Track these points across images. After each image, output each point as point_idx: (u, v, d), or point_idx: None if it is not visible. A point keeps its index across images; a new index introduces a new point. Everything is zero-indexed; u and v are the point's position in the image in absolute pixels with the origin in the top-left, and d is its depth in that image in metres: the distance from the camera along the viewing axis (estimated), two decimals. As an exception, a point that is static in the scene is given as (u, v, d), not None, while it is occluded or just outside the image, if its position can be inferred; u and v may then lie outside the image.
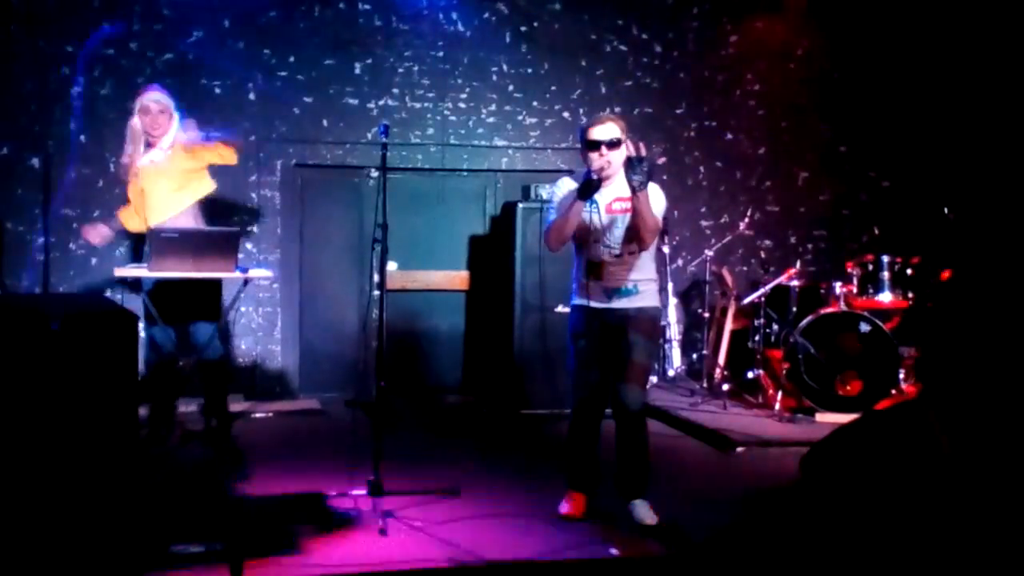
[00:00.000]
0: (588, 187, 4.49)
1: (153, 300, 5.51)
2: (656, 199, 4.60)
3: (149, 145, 5.67)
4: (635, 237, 4.59)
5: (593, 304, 4.68)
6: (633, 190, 4.43)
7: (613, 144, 4.55)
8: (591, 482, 4.80)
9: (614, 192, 4.60)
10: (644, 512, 4.65)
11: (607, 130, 4.56)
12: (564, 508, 4.72)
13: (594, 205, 4.56)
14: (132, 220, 5.80)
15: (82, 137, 7.08)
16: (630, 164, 4.42)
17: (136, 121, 5.63)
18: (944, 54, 8.24)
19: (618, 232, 4.61)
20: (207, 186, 5.77)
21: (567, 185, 4.75)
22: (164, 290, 5.49)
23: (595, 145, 4.55)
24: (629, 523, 4.60)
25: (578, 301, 4.74)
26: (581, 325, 4.71)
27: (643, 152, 4.41)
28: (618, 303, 4.65)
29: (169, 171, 5.64)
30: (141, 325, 5.48)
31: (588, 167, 4.60)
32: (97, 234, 5.85)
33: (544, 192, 6.87)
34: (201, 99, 7.10)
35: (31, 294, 6.82)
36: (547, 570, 4.13)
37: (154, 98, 5.63)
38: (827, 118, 8.48)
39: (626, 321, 4.64)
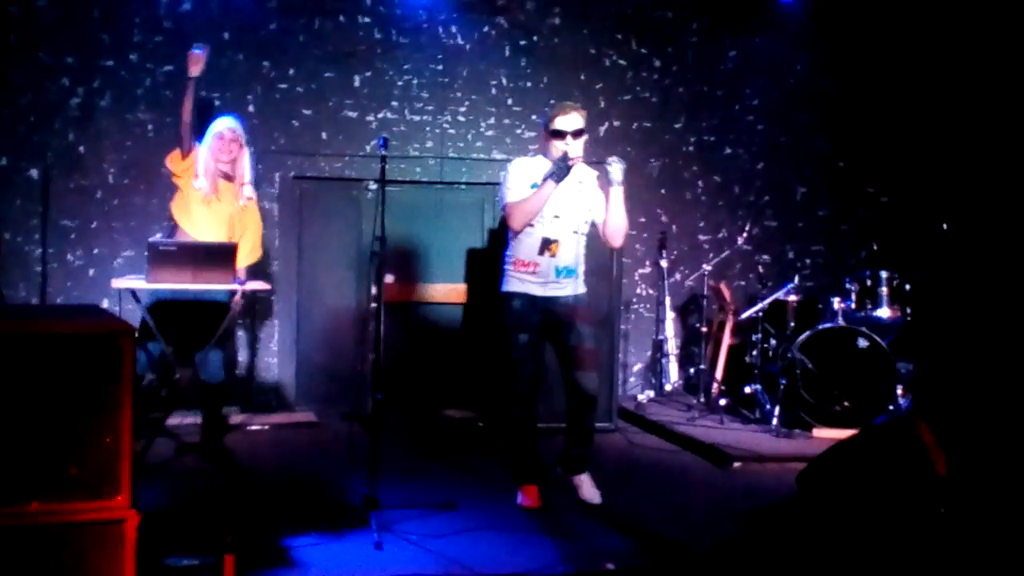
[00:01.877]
0: (562, 172, 4.80)
1: (155, 318, 5.52)
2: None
3: (225, 176, 5.76)
4: (607, 235, 5.01)
5: (536, 293, 4.92)
6: (609, 183, 4.85)
7: (578, 133, 4.89)
8: (541, 472, 5.08)
9: (575, 175, 4.91)
10: (591, 489, 5.02)
11: (572, 120, 4.90)
12: (525, 501, 4.96)
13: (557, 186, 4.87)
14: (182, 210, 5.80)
15: (81, 148, 7.09)
16: (607, 162, 4.85)
17: (206, 149, 5.68)
18: (943, 69, 8.26)
19: (575, 212, 4.95)
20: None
21: (522, 166, 5.01)
22: (168, 311, 5.50)
23: (561, 134, 4.89)
24: (625, 536, 4.59)
25: (519, 289, 4.95)
26: (522, 317, 4.95)
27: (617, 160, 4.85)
28: (560, 289, 4.94)
29: (239, 218, 5.81)
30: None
31: (550, 151, 4.93)
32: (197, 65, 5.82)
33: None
34: (200, 111, 7.04)
35: (27, 304, 6.81)
36: (543, 585, 4.11)
37: (230, 126, 5.74)
38: (825, 133, 8.49)
39: (570, 311, 4.96)
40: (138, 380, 5.61)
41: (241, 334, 7.38)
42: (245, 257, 5.85)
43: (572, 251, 4.98)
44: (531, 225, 4.90)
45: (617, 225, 4.98)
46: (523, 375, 4.96)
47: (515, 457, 5.08)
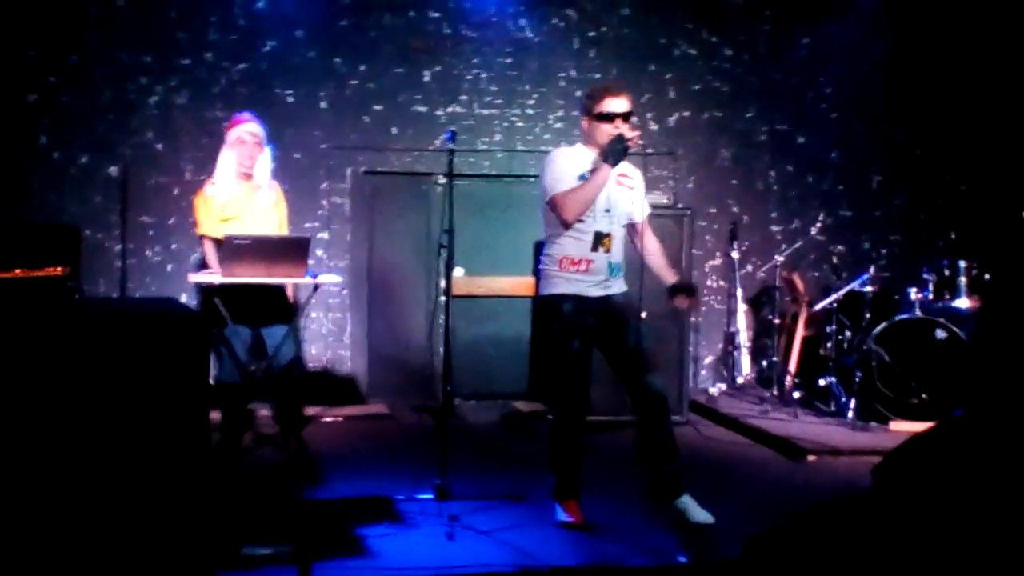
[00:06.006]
0: (619, 154, 4.49)
1: (223, 302, 5.58)
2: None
3: (246, 176, 5.69)
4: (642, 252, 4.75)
5: (589, 294, 4.58)
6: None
7: (627, 116, 4.57)
8: (578, 487, 4.71)
9: (620, 167, 4.62)
10: (698, 510, 4.60)
11: (623, 103, 4.56)
12: (569, 517, 4.62)
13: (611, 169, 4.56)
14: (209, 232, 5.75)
15: (159, 146, 7.24)
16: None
17: (229, 152, 5.64)
18: (1020, 53, 8.04)
19: (622, 205, 4.64)
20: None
21: (565, 156, 4.67)
22: (232, 292, 5.54)
23: (610, 117, 4.54)
24: (690, 527, 4.55)
25: (569, 290, 4.57)
26: (575, 322, 4.57)
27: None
28: (612, 288, 4.62)
29: (266, 208, 5.72)
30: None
31: (594, 135, 4.58)
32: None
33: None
34: (274, 108, 7.21)
35: (106, 297, 6.97)
36: (612, 576, 4.11)
37: (250, 130, 5.64)
38: (902, 121, 8.33)
39: (625, 310, 4.62)
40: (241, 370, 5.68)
41: (314, 327, 7.48)
42: None
43: (620, 246, 4.66)
44: (581, 220, 4.53)
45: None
46: (574, 385, 4.59)
47: (560, 470, 4.67)
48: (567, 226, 4.55)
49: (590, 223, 4.56)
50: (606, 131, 4.53)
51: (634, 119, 4.68)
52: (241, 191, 5.67)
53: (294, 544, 4.11)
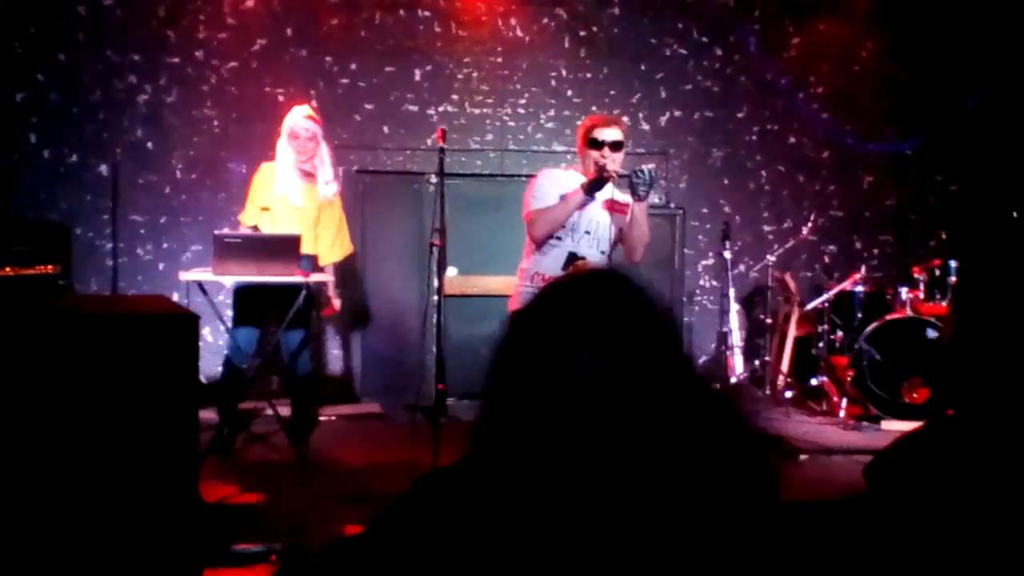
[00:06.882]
0: (598, 183, 4.49)
1: (239, 302, 5.57)
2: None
3: (306, 174, 5.61)
4: (628, 249, 4.64)
5: None
6: (637, 197, 4.48)
7: (616, 146, 4.56)
8: None
9: (610, 192, 4.61)
10: None
11: (612, 132, 4.57)
12: None
13: (591, 199, 4.57)
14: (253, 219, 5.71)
15: (149, 144, 7.21)
16: (636, 173, 4.47)
17: (286, 146, 5.54)
18: (1014, 53, 8.06)
19: (607, 231, 4.62)
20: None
21: (551, 176, 4.70)
22: (250, 293, 5.53)
23: (599, 144, 4.55)
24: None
25: None
26: None
27: (651, 167, 4.47)
28: None
29: (316, 209, 5.67)
30: (223, 327, 5.58)
31: (585, 162, 4.61)
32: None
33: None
34: (265, 106, 7.19)
35: (94, 295, 6.95)
36: None
37: (304, 126, 5.53)
38: (892, 121, 8.34)
39: None
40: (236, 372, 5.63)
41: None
42: (328, 253, 5.81)
43: None
44: (559, 238, 4.55)
45: (639, 238, 4.60)
46: None
47: None
48: (536, 243, 4.60)
49: (567, 242, 4.58)
50: (593, 156, 4.56)
51: (623, 153, 4.65)
52: (299, 187, 5.58)
53: (284, 542, 4.09)
